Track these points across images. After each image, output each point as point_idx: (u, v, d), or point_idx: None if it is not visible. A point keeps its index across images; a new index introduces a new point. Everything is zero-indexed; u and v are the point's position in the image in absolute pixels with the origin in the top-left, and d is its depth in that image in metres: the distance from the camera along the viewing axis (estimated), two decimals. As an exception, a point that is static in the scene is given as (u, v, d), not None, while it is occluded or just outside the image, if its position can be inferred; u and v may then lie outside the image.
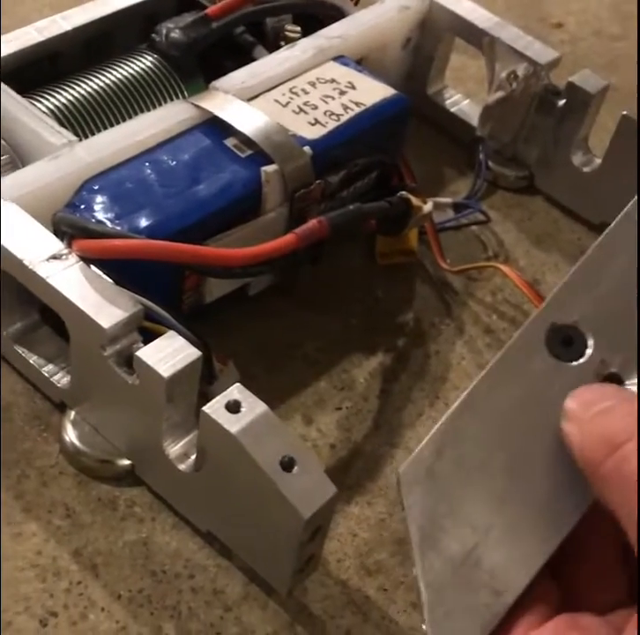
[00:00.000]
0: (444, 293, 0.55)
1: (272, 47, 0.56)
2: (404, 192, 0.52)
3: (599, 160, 0.59)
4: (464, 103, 0.64)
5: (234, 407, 0.38)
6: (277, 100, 0.51)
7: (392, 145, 0.55)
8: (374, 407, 0.49)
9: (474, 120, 0.61)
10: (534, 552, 0.28)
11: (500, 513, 0.28)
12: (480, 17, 0.59)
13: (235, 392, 0.38)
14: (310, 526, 0.37)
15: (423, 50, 0.62)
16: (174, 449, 0.41)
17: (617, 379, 0.29)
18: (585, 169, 0.59)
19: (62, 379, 0.45)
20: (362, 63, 0.57)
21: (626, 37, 0.77)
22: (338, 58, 0.55)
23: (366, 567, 0.43)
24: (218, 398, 0.38)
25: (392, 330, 0.53)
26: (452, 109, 0.64)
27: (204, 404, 0.38)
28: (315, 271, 0.53)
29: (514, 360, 0.29)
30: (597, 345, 0.29)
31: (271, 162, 0.47)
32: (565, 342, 0.29)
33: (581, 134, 0.59)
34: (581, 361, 0.29)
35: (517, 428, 0.29)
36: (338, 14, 0.58)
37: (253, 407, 0.38)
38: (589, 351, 0.29)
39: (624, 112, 0.55)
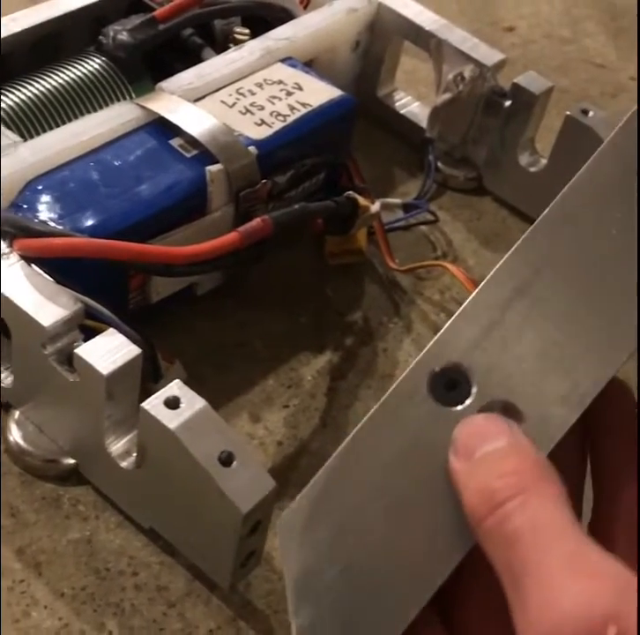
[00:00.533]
0: (393, 292, 0.56)
1: (221, 49, 0.56)
2: (351, 192, 0.52)
3: (545, 160, 0.59)
4: (414, 105, 0.65)
5: (173, 403, 0.38)
6: (223, 101, 0.51)
7: (339, 146, 0.55)
8: (321, 405, 0.50)
9: (424, 122, 0.62)
10: (411, 600, 0.27)
11: (377, 564, 0.28)
12: (428, 19, 0.60)
13: (175, 388, 0.38)
14: (249, 521, 0.37)
15: (373, 53, 0.63)
16: (116, 447, 0.41)
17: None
18: (532, 169, 0.60)
19: (6, 379, 0.45)
20: (312, 65, 0.58)
21: (576, 41, 0.78)
22: (286, 60, 0.55)
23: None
24: (157, 394, 0.38)
25: (341, 328, 0.53)
26: (402, 111, 0.65)
27: (151, 402, 0.38)
28: (264, 271, 0.53)
29: (396, 406, 0.28)
30: (480, 387, 0.28)
31: (216, 162, 0.48)
32: (448, 386, 0.28)
33: (527, 135, 0.59)
34: (466, 404, 0.28)
35: (400, 475, 0.28)
36: (286, 16, 0.58)
37: (192, 402, 0.38)
38: (473, 393, 0.28)
39: (568, 112, 0.56)
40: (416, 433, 0.28)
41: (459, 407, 0.28)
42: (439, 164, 0.62)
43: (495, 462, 0.26)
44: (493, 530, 0.25)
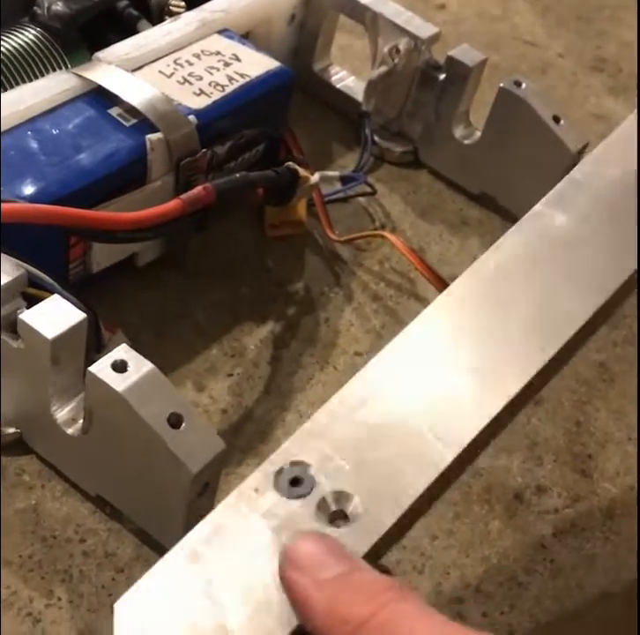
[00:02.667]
0: (333, 262, 0.56)
1: (157, 21, 0.56)
2: (290, 163, 0.52)
3: (479, 133, 0.60)
4: (349, 79, 0.66)
5: (120, 367, 0.38)
6: (161, 71, 0.51)
7: (277, 118, 0.55)
8: (265, 373, 0.50)
9: (360, 96, 0.62)
10: None
11: None
12: (363, -7, 0.61)
13: (122, 351, 0.38)
14: (199, 481, 0.38)
15: (308, 27, 0.63)
16: (61, 414, 0.41)
17: (342, 514, 0.30)
18: (466, 142, 0.61)
19: (-55, 349, 0.44)
20: (248, 37, 0.58)
21: (506, 18, 0.79)
22: (223, 31, 0.55)
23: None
24: (103, 358, 0.38)
25: (282, 299, 0.54)
26: (338, 85, 0.65)
27: (93, 371, 0.38)
28: (204, 242, 0.54)
29: (239, 500, 0.30)
30: (321, 483, 0.30)
31: (156, 131, 0.48)
32: (292, 483, 0.30)
33: (462, 108, 0.60)
34: (305, 499, 0.30)
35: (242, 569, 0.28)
36: (222, -11, 0.58)
37: (139, 366, 0.38)
38: (314, 490, 0.30)
39: (501, 84, 0.57)
40: (256, 527, 0.29)
41: (300, 500, 0.30)
42: (375, 137, 0.63)
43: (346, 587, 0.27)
44: None
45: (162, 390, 0.38)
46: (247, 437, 0.47)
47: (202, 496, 0.39)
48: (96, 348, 0.45)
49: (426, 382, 0.35)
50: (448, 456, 0.32)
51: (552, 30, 0.79)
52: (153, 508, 0.40)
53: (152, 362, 0.39)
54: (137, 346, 0.47)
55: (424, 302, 0.55)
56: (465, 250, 0.59)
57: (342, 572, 0.27)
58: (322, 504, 0.30)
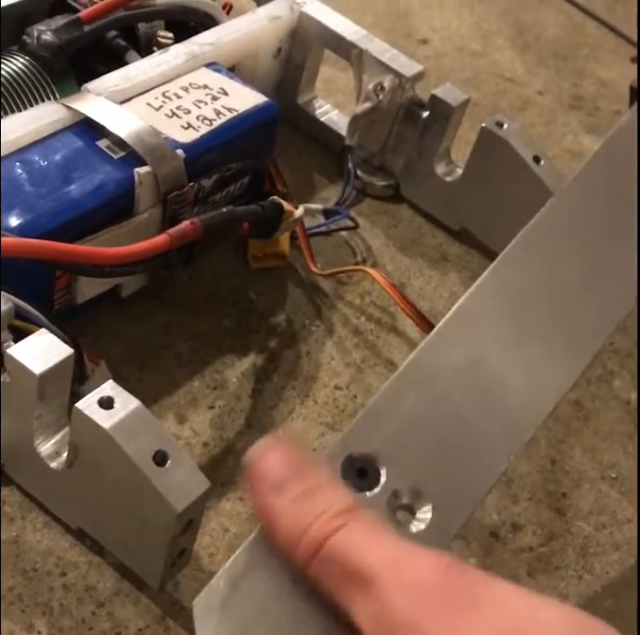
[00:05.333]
0: (315, 295, 0.57)
1: (145, 52, 0.57)
2: (276, 197, 0.53)
3: (460, 170, 0.61)
4: (333, 113, 0.66)
5: (106, 404, 0.38)
6: (150, 104, 0.52)
7: (263, 151, 0.56)
8: (246, 406, 0.50)
9: (343, 129, 0.63)
10: None
11: None
12: (349, 29, 0.61)
13: (108, 388, 0.39)
14: (183, 520, 0.38)
15: (294, 60, 0.64)
16: (45, 447, 0.41)
17: (409, 510, 0.30)
18: (448, 179, 0.62)
19: None
20: (234, 70, 0.59)
21: (486, 54, 0.81)
22: (211, 65, 0.56)
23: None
24: (91, 394, 0.38)
25: (265, 331, 0.54)
26: (322, 119, 0.66)
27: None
28: (188, 273, 0.54)
29: None
30: (389, 476, 0.30)
31: (144, 164, 0.48)
32: (360, 473, 0.30)
33: (444, 145, 0.61)
34: (375, 491, 0.30)
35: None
36: (210, 22, 0.59)
37: (126, 402, 0.38)
38: (382, 482, 0.30)
39: (483, 124, 0.58)
40: None
41: (368, 493, 0.30)
42: (358, 171, 0.63)
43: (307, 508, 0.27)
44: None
45: (148, 427, 0.38)
46: (228, 470, 0.47)
47: (185, 532, 0.39)
48: (79, 380, 0.45)
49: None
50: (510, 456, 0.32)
51: (531, 67, 0.81)
52: (135, 543, 0.40)
53: (134, 393, 0.39)
54: (119, 377, 0.48)
55: (403, 336, 0.56)
56: (445, 286, 0.60)
57: (305, 490, 0.28)
58: (391, 500, 0.30)
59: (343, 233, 0.61)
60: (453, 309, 0.37)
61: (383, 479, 0.30)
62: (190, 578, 0.43)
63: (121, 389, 0.39)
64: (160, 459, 0.38)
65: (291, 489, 0.28)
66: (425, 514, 0.30)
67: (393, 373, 0.53)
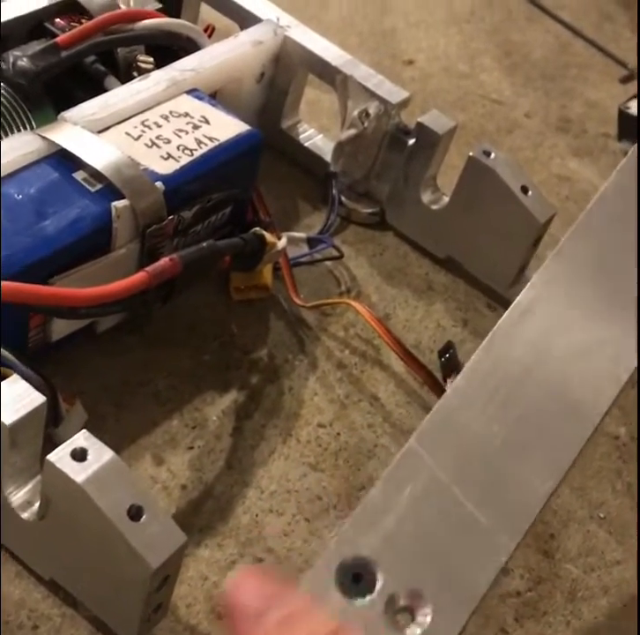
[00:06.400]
0: (298, 328, 0.56)
1: (124, 77, 0.55)
2: (257, 229, 0.52)
3: (446, 198, 0.60)
4: (317, 138, 0.65)
5: (79, 455, 0.37)
6: (128, 133, 0.50)
7: (245, 180, 0.54)
8: (226, 446, 0.49)
9: (328, 155, 0.62)
10: None
11: None
12: (333, 54, 0.60)
13: (81, 439, 0.37)
14: (158, 576, 0.37)
15: (277, 85, 0.62)
16: (16, 497, 0.40)
17: (409, 611, 0.29)
18: (434, 207, 0.60)
19: None
20: (217, 96, 0.57)
21: (473, 76, 0.80)
22: (192, 91, 0.54)
23: (216, 611, 0.43)
24: (63, 445, 0.37)
25: (246, 366, 0.53)
26: (306, 144, 0.65)
27: (50, 446, 0.37)
28: (167, 307, 0.52)
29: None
30: (386, 579, 0.29)
31: (121, 197, 0.47)
32: (354, 579, 0.29)
33: (430, 172, 0.60)
34: (371, 597, 0.28)
35: None
36: (191, 47, 0.58)
37: (100, 454, 0.37)
38: (378, 587, 0.29)
39: (471, 153, 0.57)
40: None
41: (365, 599, 0.28)
42: (342, 198, 0.62)
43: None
44: None
45: (123, 480, 0.37)
46: (206, 515, 0.46)
47: (162, 587, 0.38)
48: (54, 422, 0.44)
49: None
50: (511, 546, 0.31)
51: (518, 88, 0.80)
52: (110, 597, 0.39)
53: (110, 433, 0.38)
54: (94, 416, 0.46)
55: (388, 370, 0.55)
56: (431, 317, 0.59)
57: (285, 617, 0.26)
58: (389, 604, 0.29)
59: (327, 262, 0.60)
60: (441, 400, 0.35)
61: (379, 584, 0.29)
62: (167, 631, 0.42)
63: (95, 439, 0.37)
64: (135, 513, 0.36)
65: (270, 619, 0.26)
66: (425, 618, 0.28)
67: (377, 408, 0.52)
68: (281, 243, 0.53)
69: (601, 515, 0.52)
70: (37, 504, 0.39)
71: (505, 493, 0.33)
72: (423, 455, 0.32)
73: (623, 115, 0.74)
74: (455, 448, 0.33)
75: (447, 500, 0.31)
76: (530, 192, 0.57)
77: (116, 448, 0.38)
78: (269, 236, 0.52)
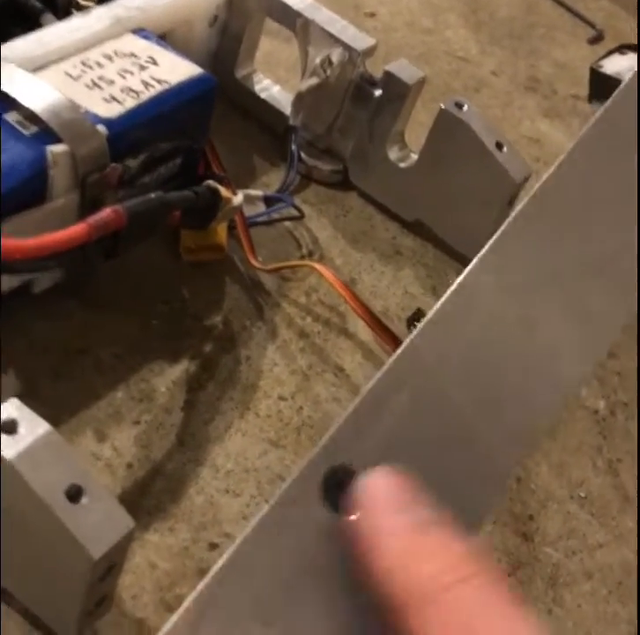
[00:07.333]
0: (256, 293, 0.51)
1: (63, 15, 0.50)
2: (211, 181, 0.47)
3: (415, 155, 0.56)
4: (275, 89, 0.60)
5: (9, 427, 0.32)
6: (68, 73, 0.45)
7: (197, 129, 0.50)
8: (177, 421, 0.44)
9: (286, 107, 0.58)
10: None
11: None
12: (294, -3, 0.55)
13: (12, 408, 0.32)
14: (101, 566, 0.32)
15: (231, 30, 0.58)
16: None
17: None
18: (401, 165, 0.56)
19: None
20: (166, 39, 0.52)
21: (437, 31, 0.75)
22: (139, 31, 0.49)
23: (166, 602, 0.38)
24: (-11, 416, 0.32)
25: (199, 334, 0.48)
26: (262, 95, 0.60)
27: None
28: (111, 267, 0.47)
29: (286, 512, 0.26)
30: None
31: (59, 141, 0.42)
32: (340, 486, 0.27)
33: (397, 127, 0.56)
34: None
35: (284, 586, 0.26)
36: (138, -17, 0.52)
37: (33, 426, 0.32)
38: None
39: (442, 105, 0.52)
40: (308, 540, 0.26)
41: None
42: (302, 154, 0.58)
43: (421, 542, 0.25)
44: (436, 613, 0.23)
45: (60, 456, 0.32)
46: (156, 496, 0.41)
47: (106, 578, 0.33)
48: (-19, 392, 0.39)
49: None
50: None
51: (485, 46, 0.76)
52: (46, 590, 0.34)
53: (46, 406, 0.34)
54: (30, 387, 0.42)
55: (354, 339, 0.51)
56: (399, 283, 0.54)
57: (419, 521, 0.25)
58: None
59: (287, 223, 0.55)
60: (449, 290, 0.33)
61: None
62: (111, 625, 0.37)
63: (27, 410, 0.32)
64: (74, 494, 0.32)
65: (402, 514, 0.25)
66: None
67: (342, 380, 0.48)
68: (237, 199, 0.48)
69: (582, 494, 0.48)
70: (-39, 486, 0.34)
71: None
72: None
73: (596, 74, 0.71)
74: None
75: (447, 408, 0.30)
76: (505, 149, 0.53)
77: (53, 421, 0.33)
78: (224, 191, 0.47)
